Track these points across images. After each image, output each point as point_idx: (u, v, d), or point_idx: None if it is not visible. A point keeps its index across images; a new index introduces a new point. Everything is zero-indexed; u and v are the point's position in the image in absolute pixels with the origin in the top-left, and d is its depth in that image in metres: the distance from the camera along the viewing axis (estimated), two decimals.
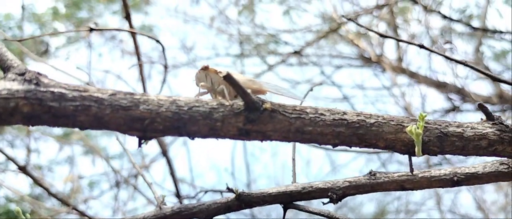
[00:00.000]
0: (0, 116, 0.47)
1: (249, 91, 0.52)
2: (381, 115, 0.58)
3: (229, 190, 0.77)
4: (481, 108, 0.62)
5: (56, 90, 0.48)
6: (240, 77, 0.54)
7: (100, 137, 2.54)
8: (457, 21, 2.06)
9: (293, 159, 0.82)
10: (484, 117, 0.62)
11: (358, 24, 0.85)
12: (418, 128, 0.54)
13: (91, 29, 1.08)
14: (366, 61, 2.97)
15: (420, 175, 0.69)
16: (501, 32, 2.27)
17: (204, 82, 0.57)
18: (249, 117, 0.52)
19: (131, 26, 1.24)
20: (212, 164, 2.58)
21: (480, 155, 0.61)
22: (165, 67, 1.19)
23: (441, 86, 2.67)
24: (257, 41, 2.84)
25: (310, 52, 2.85)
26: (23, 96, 0.47)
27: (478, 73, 0.76)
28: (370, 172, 0.71)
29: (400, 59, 2.86)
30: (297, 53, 2.53)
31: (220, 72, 0.57)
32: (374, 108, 2.63)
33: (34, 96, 0.47)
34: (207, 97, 0.55)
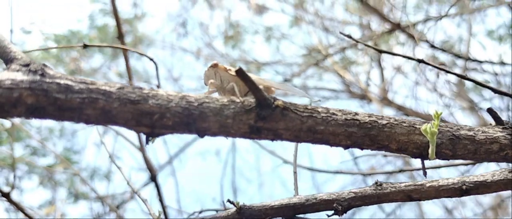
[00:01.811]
0: (2, 107, 0.44)
1: (260, 87, 0.50)
2: (392, 117, 0.56)
3: (230, 202, 0.74)
4: (491, 112, 0.61)
5: (62, 81, 0.46)
6: (250, 75, 0.53)
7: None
8: (442, 50, 2.09)
9: (295, 172, 0.80)
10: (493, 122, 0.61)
11: (355, 40, 0.84)
12: (433, 127, 0.53)
13: (85, 46, 1.07)
14: (353, 93, 2.99)
15: (427, 185, 0.68)
16: (480, 62, 2.30)
17: (213, 80, 0.55)
18: (261, 114, 0.50)
19: (123, 44, 1.23)
20: (199, 195, 2.53)
21: (491, 161, 0.60)
22: (158, 86, 1.17)
23: (426, 117, 2.68)
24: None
25: (297, 83, 2.86)
26: (28, 87, 0.45)
27: (477, 85, 0.76)
28: (376, 183, 0.70)
29: (385, 91, 2.88)
30: (286, 81, 2.54)
31: (230, 70, 0.55)
32: None
33: (39, 87, 0.45)
34: (216, 96, 0.53)
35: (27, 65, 0.46)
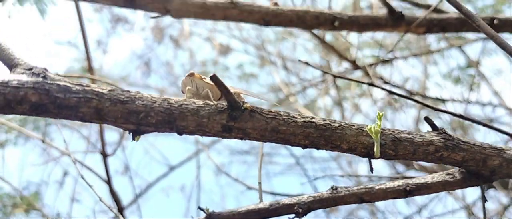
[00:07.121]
0: (9, 103, 0.52)
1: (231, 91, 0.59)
2: (343, 121, 0.66)
3: (200, 209, 0.81)
4: (427, 120, 0.71)
5: (61, 83, 0.54)
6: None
7: None
8: (398, 87, 2.23)
9: (259, 183, 0.89)
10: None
11: (312, 66, 0.95)
12: (376, 126, 0.63)
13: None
14: None
15: (376, 188, 0.77)
16: (434, 99, 2.43)
17: (190, 87, 0.64)
18: (232, 115, 0.59)
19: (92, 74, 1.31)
20: None
21: (429, 161, 0.70)
22: None
23: None
24: None
25: None
26: (32, 86, 0.53)
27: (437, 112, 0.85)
28: (332, 187, 0.78)
29: None
30: None
31: (205, 78, 0.64)
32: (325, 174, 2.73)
33: (42, 87, 0.53)
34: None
35: (30, 69, 0.54)
